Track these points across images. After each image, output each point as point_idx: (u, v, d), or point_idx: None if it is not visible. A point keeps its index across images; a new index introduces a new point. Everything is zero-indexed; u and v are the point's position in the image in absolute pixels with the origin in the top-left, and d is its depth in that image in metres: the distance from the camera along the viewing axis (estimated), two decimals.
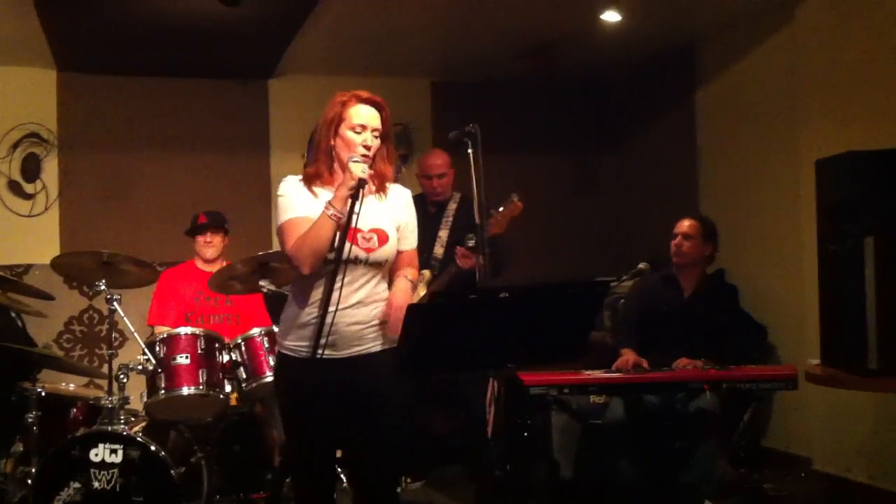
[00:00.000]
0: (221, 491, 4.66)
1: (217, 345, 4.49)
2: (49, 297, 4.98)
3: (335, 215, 3.05)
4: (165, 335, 4.45)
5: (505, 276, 4.89)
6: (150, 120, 6.78)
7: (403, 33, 6.13)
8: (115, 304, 4.42)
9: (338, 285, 3.06)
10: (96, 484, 4.04)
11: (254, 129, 7.03)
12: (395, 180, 3.39)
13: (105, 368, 4.40)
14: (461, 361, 3.05)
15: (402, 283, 3.24)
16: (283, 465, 4.58)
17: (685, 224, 4.90)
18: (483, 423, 4.70)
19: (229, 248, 5.33)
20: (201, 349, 4.40)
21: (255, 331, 4.53)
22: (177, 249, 5.72)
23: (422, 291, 4.98)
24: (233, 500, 4.72)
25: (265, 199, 6.82)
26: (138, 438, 4.12)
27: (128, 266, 4.57)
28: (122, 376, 4.31)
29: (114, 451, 4.06)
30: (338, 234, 3.07)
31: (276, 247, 5.54)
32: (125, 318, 4.47)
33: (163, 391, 4.31)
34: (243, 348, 4.49)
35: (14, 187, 6.53)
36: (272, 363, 4.32)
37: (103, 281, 4.45)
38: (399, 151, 6.81)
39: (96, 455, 4.06)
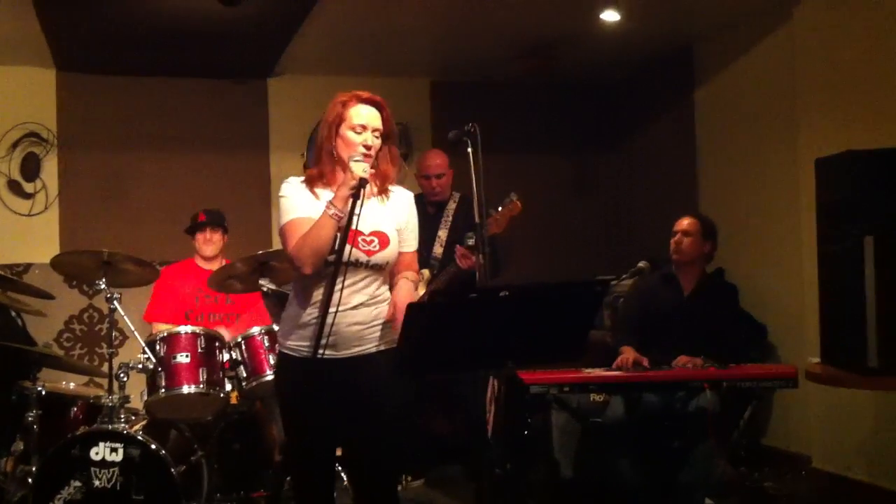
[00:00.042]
0: (221, 489, 4.66)
1: (217, 343, 4.48)
2: (49, 297, 4.98)
3: (336, 215, 3.05)
4: (165, 334, 4.44)
5: (503, 275, 4.91)
6: (149, 119, 6.78)
7: (403, 33, 6.13)
8: (115, 302, 4.42)
9: (338, 287, 3.07)
10: (97, 482, 4.03)
11: (253, 128, 7.03)
12: (399, 180, 3.40)
13: (105, 367, 4.40)
14: (461, 361, 3.05)
15: (405, 283, 3.24)
16: (283, 463, 4.59)
17: (685, 222, 4.91)
18: (482, 423, 4.71)
19: (229, 248, 5.33)
20: (201, 348, 4.39)
21: (256, 329, 4.52)
22: (176, 249, 5.72)
23: (421, 291, 4.98)
24: (233, 499, 4.72)
25: (265, 198, 6.83)
26: (139, 437, 4.12)
27: (127, 265, 4.57)
28: (122, 375, 4.31)
29: (114, 450, 4.06)
30: (339, 235, 3.08)
31: (275, 246, 5.55)
32: (125, 317, 4.47)
33: (163, 390, 4.31)
34: (243, 347, 4.49)
35: (14, 187, 6.53)
36: (272, 362, 4.33)
37: (103, 280, 4.45)
38: (399, 151, 6.83)
39: (97, 454, 4.06)
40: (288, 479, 4.35)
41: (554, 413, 4.99)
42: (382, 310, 3.23)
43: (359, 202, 3.04)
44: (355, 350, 3.20)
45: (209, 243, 5.22)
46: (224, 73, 6.82)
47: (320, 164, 3.26)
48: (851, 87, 5.01)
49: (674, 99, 6.84)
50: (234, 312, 5.14)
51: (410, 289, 3.24)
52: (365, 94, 3.24)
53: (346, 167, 3.11)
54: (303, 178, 3.28)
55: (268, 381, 4.38)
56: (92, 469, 4.05)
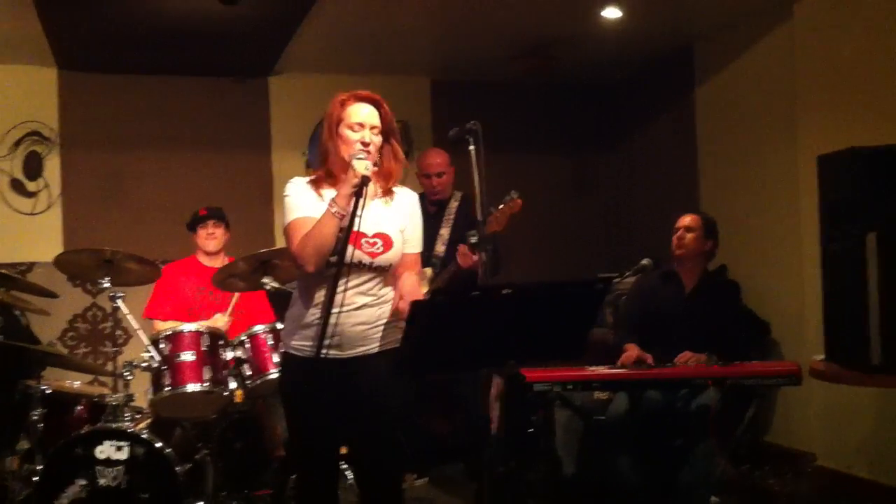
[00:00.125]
0: (226, 487, 4.67)
1: (221, 341, 4.49)
2: (52, 295, 5.00)
3: (338, 213, 3.06)
4: (170, 332, 4.44)
5: (502, 274, 4.92)
6: (151, 118, 6.79)
7: (403, 32, 6.14)
8: (118, 301, 4.42)
9: (340, 288, 3.08)
10: (101, 481, 4.04)
11: (254, 127, 7.04)
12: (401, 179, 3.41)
13: (109, 366, 4.41)
14: (463, 360, 3.06)
15: (410, 276, 3.25)
16: (287, 462, 4.60)
17: (687, 219, 4.91)
18: (482, 422, 4.72)
19: (231, 245, 5.33)
20: (205, 346, 4.39)
21: (259, 328, 4.52)
22: (179, 247, 5.71)
23: (424, 289, 4.99)
24: (237, 497, 4.72)
25: (266, 196, 6.84)
26: (143, 435, 4.13)
27: (130, 263, 4.57)
28: (126, 373, 4.32)
29: (119, 449, 4.07)
30: (341, 235, 3.09)
31: (278, 244, 5.56)
32: (128, 316, 4.47)
33: (167, 388, 4.31)
34: (247, 345, 4.50)
35: (16, 185, 6.53)
36: (276, 360, 4.34)
37: (106, 278, 4.45)
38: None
39: (101, 452, 4.06)
40: (292, 477, 4.36)
41: (557, 411, 5.00)
42: (386, 310, 3.24)
43: (361, 201, 3.05)
44: (359, 350, 3.21)
45: (211, 238, 5.19)
46: (225, 71, 6.83)
47: (324, 164, 3.28)
48: (852, 86, 5.01)
49: (674, 98, 6.84)
50: (237, 309, 5.14)
51: (415, 281, 3.24)
52: (363, 93, 3.26)
53: (348, 166, 3.12)
54: (308, 178, 3.30)
55: (272, 380, 4.39)
56: (96, 468, 4.05)
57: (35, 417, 4.31)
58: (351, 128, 3.20)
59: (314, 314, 3.20)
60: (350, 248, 3.07)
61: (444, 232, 5.30)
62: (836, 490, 5.07)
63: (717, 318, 4.72)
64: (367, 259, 3.17)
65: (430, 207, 5.30)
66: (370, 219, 3.18)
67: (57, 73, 6.62)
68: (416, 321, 2.79)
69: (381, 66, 6.72)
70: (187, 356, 4.36)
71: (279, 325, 4.36)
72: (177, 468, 4.11)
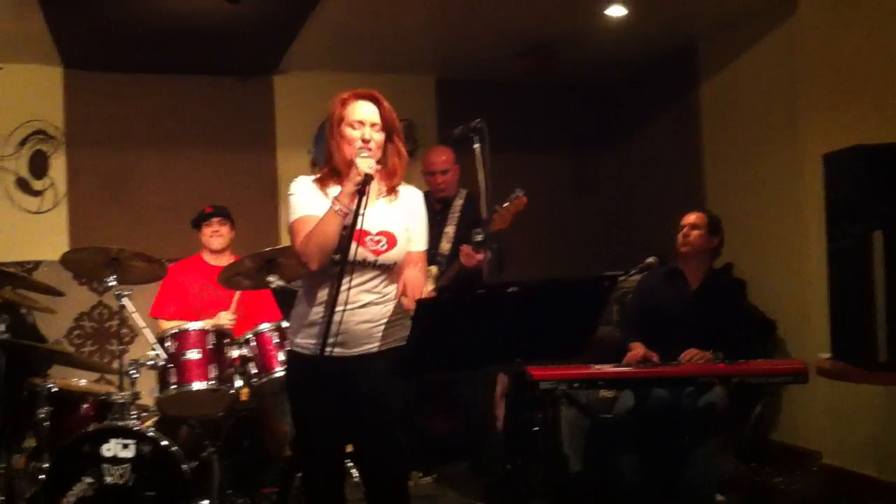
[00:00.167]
0: (232, 485, 4.67)
1: (227, 340, 4.49)
2: (59, 294, 5.00)
3: (341, 210, 3.07)
4: (176, 330, 4.45)
5: (507, 272, 4.91)
6: (157, 117, 6.79)
7: (407, 30, 6.13)
8: (124, 299, 4.43)
9: (345, 286, 3.10)
10: (108, 479, 4.03)
11: (259, 125, 7.04)
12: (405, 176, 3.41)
13: (115, 364, 4.41)
14: (468, 358, 3.06)
15: (414, 271, 3.25)
16: (293, 459, 4.60)
17: (692, 216, 4.91)
18: (482, 422, 4.73)
19: (236, 244, 5.34)
20: (212, 344, 4.40)
21: (265, 326, 4.53)
22: (184, 246, 5.72)
23: (429, 287, 4.99)
24: (243, 495, 4.73)
25: (272, 195, 6.85)
26: (149, 433, 4.13)
27: (136, 262, 4.57)
28: (132, 372, 4.32)
29: (125, 447, 4.06)
30: (345, 233, 3.10)
31: (283, 242, 5.57)
32: (135, 314, 4.48)
33: (174, 386, 4.32)
34: (253, 343, 4.50)
35: (22, 184, 6.54)
36: (282, 358, 4.34)
37: (113, 277, 4.45)
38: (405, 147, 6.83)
39: (108, 450, 4.06)
40: (298, 475, 4.36)
41: (563, 409, 5.00)
42: (391, 308, 3.25)
43: (364, 199, 3.07)
44: (364, 348, 3.23)
45: (217, 235, 5.20)
46: (230, 70, 6.83)
47: (328, 162, 3.30)
48: (855, 83, 5.01)
49: (677, 97, 6.83)
50: (239, 307, 5.14)
51: (419, 275, 3.23)
52: (362, 91, 3.28)
53: (351, 165, 3.13)
54: (313, 177, 3.31)
55: (277, 378, 4.40)
56: (103, 465, 4.05)
57: (41, 415, 4.32)
58: (351, 126, 3.21)
59: (318, 312, 3.21)
60: (354, 246, 3.08)
61: (450, 230, 5.31)
62: (843, 488, 5.06)
63: (722, 316, 4.71)
64: (371, 257, 3.18)
65: (434, 205, 5.31)
66: (375, 217, 3.19)
67: (62, 72, 6.62)
68: (419, 322, 2.79)
69: (386, 65, 6.72)
70: (193, 354, 4.37)
71: (285, 324, 4.36)
72: (183, 466, 4.10)
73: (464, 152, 3.95)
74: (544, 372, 4.38)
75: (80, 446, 4.08)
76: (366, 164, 3.09)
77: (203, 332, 4.43)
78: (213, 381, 4.35)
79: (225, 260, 5.12)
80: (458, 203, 5.37)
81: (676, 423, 4.50)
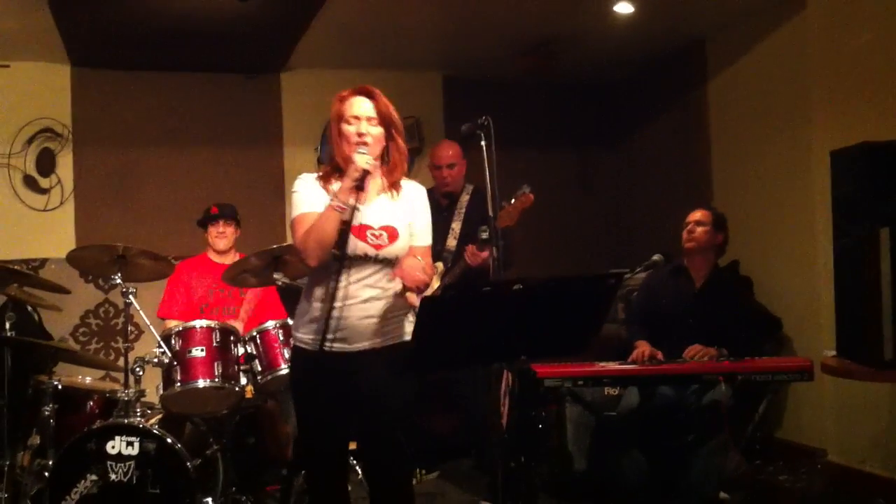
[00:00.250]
0: (236, 483, 4.68)
1: (232, 337, 4.50)
2: (65, 291, 5.02)
3: (339, 206, 3.10)
4: (181, 328, 4.45)
5: (513, 269, 4.91)
6: (163, 114, 6.81)
7: (414, 28, 6.13)
8: (130, 297, 4.43)
9: (343, 281, 3.13)
10: (113, 476, 4.04)
11: (267, 122, 7.04)
12: (412, 174, 3.42)
13: (121, 361, 4.41)
14: (474, 355, 3.07)
15: (412, 257, 3.24)
16: (295, 458, 4.60)
17: (697, 213, 4.90)
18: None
19: (243, 242, 5.34)
20: (216, 342, 4.40)
21: (270, 323, 4.53)
22: (190, 243, 5.74)
23: (435, 284, 4.99)
24: (248, 492, 4.73)
25: (278, 192, 6.85)
26: (154, 431, 4.13)
27: (142, 259, 4.58)
28: (137, 369, 4.32)
29: (130, 444, 4.07)
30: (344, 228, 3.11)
31: (289, 240, 5.56)
32: (140, 312, 4.48)
33: (178, 384, 4.32)
34: (258, 341, 4.50)
35: (29, 182, 6.55)
36: (287, 356, 4.34)
37: (118, 274, 4.46)
38: (411, 145, 6.83)
39: (113, 448, 4.07)
40: (302, 472, 4.37)
41: (568, 406, 4.99)
42: (394, 304, 3.25)
43: (363, 194, 3.12)
44: (367, 344, 3.23)
45: (222, 237, 5.21)
46: (237, 67, 6.84)
47: (331, 160, 3.34)
48: (862, 81, 4.99)
49: (685, 94, 6.82)
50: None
51: (418, 262, 3.20)
52: (358, 87, 3.31)
53: (350, 161, 3.15)
54: (317, 174, 3.33)
55: (282, 376, 4.40)
56: (108, 463, 4.06)
57: (47, 413, 4.33)
58: (348, 122, 3.25)
59: (319, 308, 3.22)
60: (355, 241, 3.10)
61: (456, 226, 5.30)
62: (848, 486, 5.05)
63: (727, 313, 4.69)
64: (371, 251, 3.20)
65: (441, 200, 5.31)
66: (376, 212, 3.22)
67: (70, 70, 6.63)
68: (424, 319, 2.79)
69: (393, 62, 6.72)
70: (198, 352, 4.37)
71: (290, 321, 4.36)
72: (187, 464, 4.11)
73: (470, 150, 3.94)
74: (549, 369, 4.38)
75: (85, 443, 4.08)
76: (363, 159, 3.12)
77: (208, 330, 4.44)
78: (218, 379, 4.35)
79: (230, 258, 5.13)
80: (465, 199, 5.35)
81: (681, 420, 4.49)
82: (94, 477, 4.04)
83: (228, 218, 5.25)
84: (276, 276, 4.48)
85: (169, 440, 4.12)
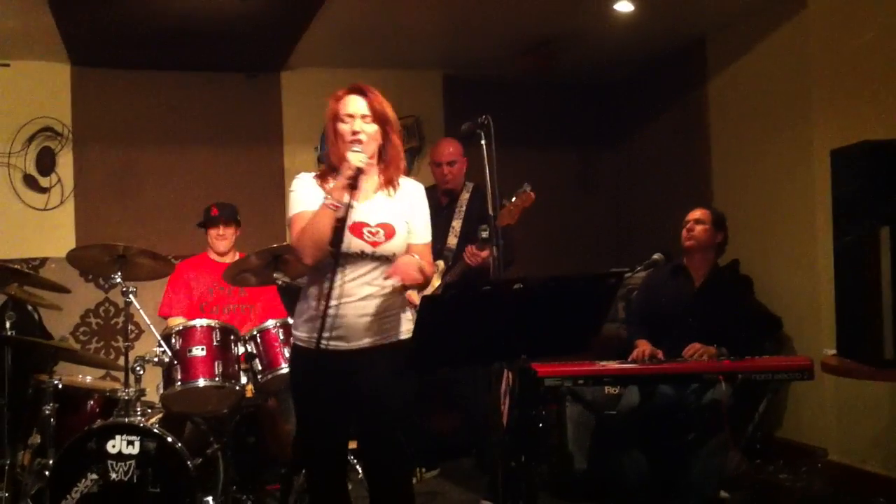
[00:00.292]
0: (237, 482, 4.68)
1: (232, 336, 4.49)
2: (65, 290, 5.01)
3: (332, 204, 3.12)
4: (181, 327, 4.45)
5: (514, 268, 4.91)
6: (163, 114, 6.81)
7: (415, 27, 6.13)
8: (130, 296, 4.43)
9: (339, 279, 3.14)
10: (113, 475, 4.04)
11: (266, 122, 7.04)
12: (413, 172, 3.43)
13: (121, 361, 4.41)
14: (474, 354, 3.07)
15: (407, 255, 3.25)
16: (294, 457, 4.60)
17: (697, 212, 4.90)
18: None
19: (243, 241, 5.33)
20: (217, 341, 4.40)
21: (271, 323, 4.53)
22: (190, 242, 5.74)
23: (436, 282, 4.99)
24: (248, 492, 4.73)
25: (278, 191, 6.85)
26: (155, 430, 4.13)
27: (142, 259, 4.58)
28: (138, 368, 4.32)
29: (130, 443, 4.07)
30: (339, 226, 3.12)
31: (290, 239, 5.56)
32: (140, 311, 4.48)
33: (179, 383, 4.32)
34: (258, 340, 4.50)
35: (29, 181, 6.55)
36: (287, 355, 4.34)
37: (118, 274, 4.46)
38: (411, 144, 6.84)
39: (113, 447, 4.07)
40: (302, 472, 4.37)
41: (568, 405, 4.99)
42: (392, 301, 3.25)
43: (357, 192, 3.13)
44: (365, 342, 3.24)
45: (221, 239, 5.21)
46: (237, 67, 6.84)
47: (328, 160, 3.36)
48: (863, 80, 4.99)
49: (685, 93, 6.81)
50: (248, 304, 5.15)
51: (413, 259, 3.21)
52: (351, 86, 3.32)
53: (345, 160, 3.17)
54: (314, 173, 3.35)
55: (283, 375, 4.40)
56: (108, 462, 4.06)
57: (47, 412, 4.33)
58: (342, 120, 3.26)
59: (317, 306, 3.22)
60: (351, 238, 3.12)
61: (457, 224, 5.29)
62: (849, 485, 5.04)
63: (727, 312, 4.69)
64: (368, 248, 3.21)
65: (441, 198, 5.31)
66: (373, 209, 3.23)
67: (70, 69, 6.63)
68: (425, 318, 2.79)
69: (393, 61, 6.72)
70: (198, 351, 4.37)
71: (290, 321, 4.36)
72: (188, 463, 4.11)
73: (470, 149, 3.95)
74: (549, 369, 4.37)
75: (86, 443, 4.08)
76: (357, 157, 3.14)
77: (209, 329, 4.44)
78: (218, 378, 4.35)
79: (231, 258, 5.13)
80: (465, 197, 5.35)
81: (681, 419, 4.49)
82: (94, 476, 4.04)
83: (228, 220, 5.24)
84: (276, 275, 4.49)
85: (169, 439, 4.12)
